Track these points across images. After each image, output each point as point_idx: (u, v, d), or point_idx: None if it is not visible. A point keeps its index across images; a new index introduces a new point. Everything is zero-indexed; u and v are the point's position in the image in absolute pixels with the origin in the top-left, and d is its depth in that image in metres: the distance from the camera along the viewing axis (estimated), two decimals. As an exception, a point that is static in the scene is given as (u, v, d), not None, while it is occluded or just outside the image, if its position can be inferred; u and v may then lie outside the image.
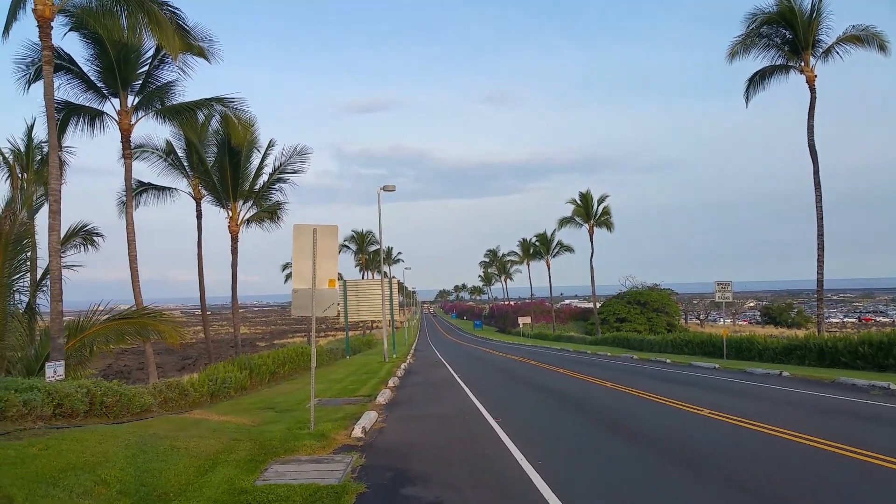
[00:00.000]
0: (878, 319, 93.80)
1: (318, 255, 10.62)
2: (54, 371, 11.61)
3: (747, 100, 32.39)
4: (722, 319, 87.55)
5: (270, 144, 29.80)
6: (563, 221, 72.00)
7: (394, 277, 44.98)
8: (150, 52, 22.01)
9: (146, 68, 22.24)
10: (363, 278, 78.93)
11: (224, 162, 28.09)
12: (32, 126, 22.96)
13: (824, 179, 30.14)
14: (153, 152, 28.15)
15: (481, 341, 72.62)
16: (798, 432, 9.75)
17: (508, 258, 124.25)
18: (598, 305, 76.23)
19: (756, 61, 31.30)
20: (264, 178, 29.86)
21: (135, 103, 22.34)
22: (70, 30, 19.75)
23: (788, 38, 30.14)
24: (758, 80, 31.73)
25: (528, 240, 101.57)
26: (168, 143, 28.41)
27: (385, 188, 34.23)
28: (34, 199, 20.74)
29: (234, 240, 29.05)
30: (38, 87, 17.75)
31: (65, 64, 20.58)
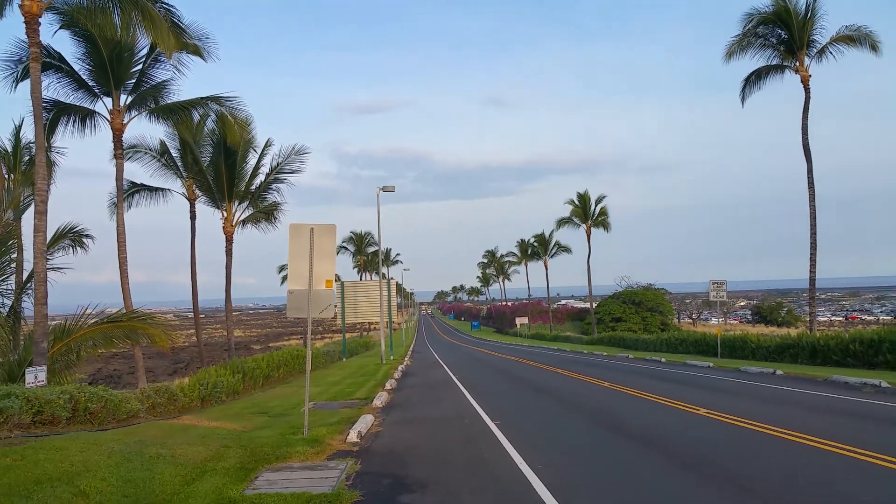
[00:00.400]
0: (863, 318, 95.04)
1: (315, 254, 10.32)
2: (35, 376, 11.23)
3: (743, 99, 32.44)
4: (715, 318, 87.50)
5: (268, 144, 29.49)
6: (562, 222, 71.97)
7: (392, 279, 44.69)
8: (144, 51, 21.69)
9: (140, 67, 21.90)
10: (361, 280, 78.62)
11: (219, 162, 27.73)
12: (20, 126, 22.56)
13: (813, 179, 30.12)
14: (146, 152, 27.81)
15: (479, 342, 72.38)
16: (798, 432, 9.64)
17: (506, 259, 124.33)
18: (594, 305, 76.12)
19: (753, 61, 31.35)
20: (261, 178, 29.52)
21: (128, 102, 22.00)
22: (60, 27, 19.37)
23: (784, 37, 30.11)
24: (754, 79, 31.72)
25: (526, 241, 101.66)
26: (162, 143, 28.08)
27: (384, 189, 33.93)
28: (21, 199, 20.36)
29: (229, 241, 28.70)
30: (27, 85, 17.41)
31: (54, 62, 20.23)
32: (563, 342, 63.03)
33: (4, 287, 14.78)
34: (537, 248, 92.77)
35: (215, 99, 22.57)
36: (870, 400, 13.50)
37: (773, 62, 30.96)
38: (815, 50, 29.88)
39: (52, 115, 20.88)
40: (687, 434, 10.12)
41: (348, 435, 10.05)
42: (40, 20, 14.92)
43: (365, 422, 11.39)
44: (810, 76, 29.88)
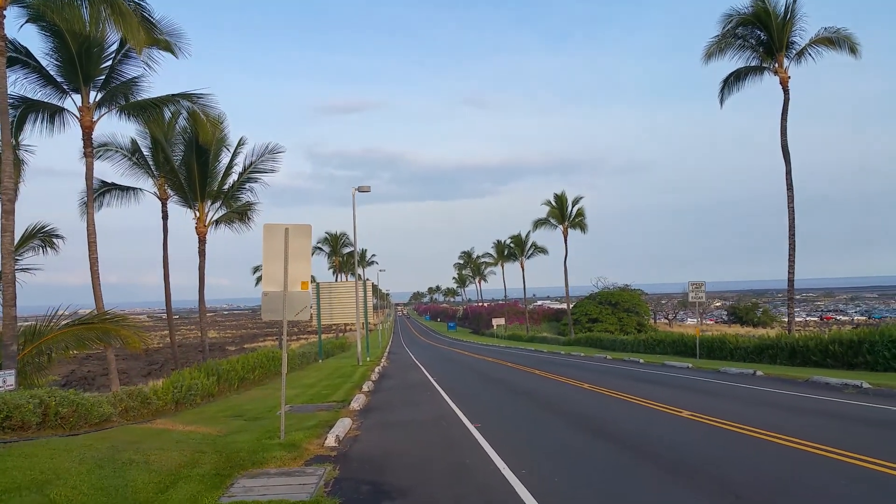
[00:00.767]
0: (838, 318, 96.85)
1: (290, 255, 10.12)
2: (3, 380, 10.87)
3: (722, 101, 32.61)
4: (692, 319, 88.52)
5: (241, 143, 29.11)
6: (538, 223, 72.22)
7: (368, 280, 44.36)
8: (114, 46, 21.15)
9: (109, 63, 21.36)
10: (337, 281, 78.04)
11: (191, 160, 27.28)
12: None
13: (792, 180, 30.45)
14: (117, 151, 27.23)
15: (455, 343, 72.27)
16: (782, 434, 9.60)
17: (483, 260, 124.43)
18: (570, 306, 76.50)
19: (732, 62, 31.48)
20: (234, 177, 29.16)
21: (97, 99, 21.46)
22: (27, 21, 18.82)
23: (763, 39, 30.31)
24: (732, 81, 31.88)
25: (502, 242, 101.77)
26: (133, 142, 27.53)
27: (360, 189, 33.66)
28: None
29: (202, 241, 28.26)
30: (-8, 80, 16.85)
31: (21, 57, 19.66)
32: (539, 343, 63.20)
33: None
34: (514, 250, 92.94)
35: (187, 96, 22.17)
36: (852, 401, 13.48)
37: (752, 63, 31.17)
38: (794, 52, 30.15)
39: (20, 112, 20.32)
40: (673, 438, 9.99)
41: (326, 439, 9.87)
42: (5, 13, 14.48)
43: (343, 425, 11.21)
44: (789, 78, 30.14)
